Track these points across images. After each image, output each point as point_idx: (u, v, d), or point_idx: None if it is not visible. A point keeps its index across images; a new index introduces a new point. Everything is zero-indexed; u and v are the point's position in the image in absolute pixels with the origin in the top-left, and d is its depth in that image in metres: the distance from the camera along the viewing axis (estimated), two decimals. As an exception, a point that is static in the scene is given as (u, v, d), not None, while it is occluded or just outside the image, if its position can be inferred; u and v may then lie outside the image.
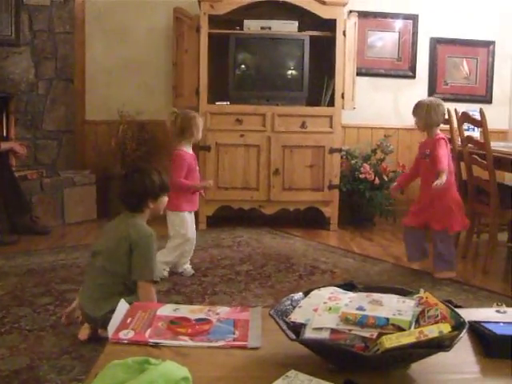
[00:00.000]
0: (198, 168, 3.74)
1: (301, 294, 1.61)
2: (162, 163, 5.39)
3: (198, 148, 4.32)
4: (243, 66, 5.18)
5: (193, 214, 3.72)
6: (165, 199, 2.73)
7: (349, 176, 5.17)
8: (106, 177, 5.44)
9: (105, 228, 2.79)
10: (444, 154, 3.59)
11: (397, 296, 1.51)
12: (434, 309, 1.43)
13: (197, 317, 1.67)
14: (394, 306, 1.43)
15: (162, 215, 3.08)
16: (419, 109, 3.72)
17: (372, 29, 5.69)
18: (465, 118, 4.06)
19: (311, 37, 5.01)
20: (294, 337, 1.38)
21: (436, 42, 5.77)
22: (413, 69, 5.77)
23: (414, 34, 5.72)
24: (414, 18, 5.70)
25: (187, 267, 3.69)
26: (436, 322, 1.38)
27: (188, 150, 3.64)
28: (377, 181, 5.08)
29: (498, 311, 1.80)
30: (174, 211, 3.56)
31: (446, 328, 1.34)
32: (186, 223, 3.60)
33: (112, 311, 2.27)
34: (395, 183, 4.09)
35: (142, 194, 2.61)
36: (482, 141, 3.82)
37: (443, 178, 3.46)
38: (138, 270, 2.51)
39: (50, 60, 5.27)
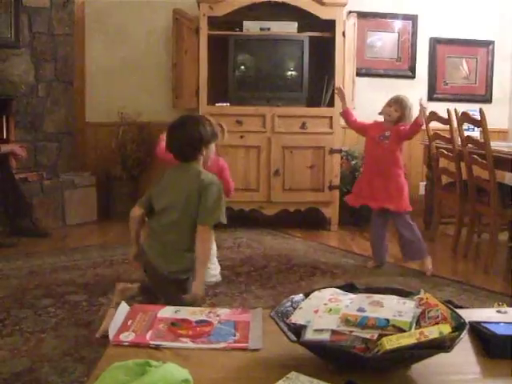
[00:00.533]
0: None
1: (301, 295, 1.61)
2: (162, 164, 5.39)
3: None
4: (243, 67, 5.18)
5: None
6: (213, 146, 2.78)
7: (349, 176, 5.17)
8: (107, 178, 5.45)
9: (163, 184, 2.75)
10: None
11: (397, 297, 1.52)
12: (435, 309, 1.43)
13: (197, 318, 1.67)
14: (395, 307, 1.43)
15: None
16: (403, 103, 3.76)
17: (371, 29, 5.69)
18: (465, 117, 4.06)
19: (311, 37, 5.01)
20: (294, 338, 1.38)
21: (435, 42, 5.78)
22: (412, 69, 5.77)
23: (414, 34, 5.72)
24: (413, 19, 5.70)
25: None
26: (436, 323, 1.38)
27: None
28: (377, 181, 5.07)
29: (498, 311, 1.80)
30: None
31: (446, 329, 1.34)
32: None
33: (182, 271, 2.55)
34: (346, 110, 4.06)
35: (198, 141, 2.66)
36: (482, 141, 3.82)
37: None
38: (203, 214, 2.57)
39: (49, 62, 5.27)
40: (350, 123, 4.04)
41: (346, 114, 4.01)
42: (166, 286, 2.63)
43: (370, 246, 4.06)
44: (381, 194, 3.78)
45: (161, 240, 2.65)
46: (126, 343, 1.52)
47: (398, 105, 3.76)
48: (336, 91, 4.26)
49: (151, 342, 1.52)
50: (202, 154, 2.70)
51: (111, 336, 1.55)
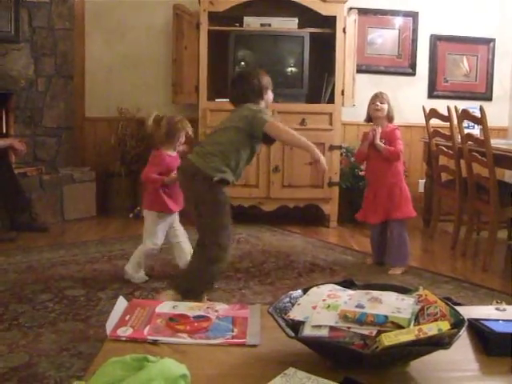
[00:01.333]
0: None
1: (300, 291, 1.60)
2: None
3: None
4: (243, 63, 5.16)
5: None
6: (270, 93, 3.05)
7: (348, 173, 5.17)
8: (106, 174, 5.44)
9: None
10: (401, 147, 3.75)
11: (396, 294, 1.51)
12: (434, 306, 1.42)
13: (195, 314, 1.66)
14: (393, 304, 1.43)
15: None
16: (384, 95, 3.77)
17: (372, 26, 5.68)
18: (465, 115, 4.06)
19: (311, 34, 5.00)
20: (292, 334, 1.37)
21: (436, 39, 5.77)
22: (413, 66, 5.76)
23: (414, 31, 5.71)
24: (414, 15, 5.69)
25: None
26: (435, 320, 1.37)
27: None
28: (376, 178, 5.07)
29: (497, 309, 1.80)
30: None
31: (445, 326, 1.33)
32: None
33: (215, 169, 2.81)
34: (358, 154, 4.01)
35: (259, 87, 2.98)
36: (482, 138, 3.82)
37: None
38: (259, 121, 2.83)
39: (49, 57, 5.26)
40: (358, 160, 4.20)
41: (359, 155, 3.99)
42: (198, 182, 2.85)
43: (369, 245, 4.03)
44: (385, 204, 3.74)
45: (201, 145, 2.99)
46: (124, 338, 1.52)
47: (380, 98, 3.75)
48: (374, 131, 3.78)
49: (149, 337, 1.52)
50: (263, 99, 3.00)
51: (109, 331, 1.55)
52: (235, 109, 3.02)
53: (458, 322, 1.38)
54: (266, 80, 3.03)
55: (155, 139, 3.56)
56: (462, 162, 4.20)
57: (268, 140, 2.94)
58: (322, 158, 2.83)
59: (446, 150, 4.46)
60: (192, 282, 2.93)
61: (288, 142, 2.87)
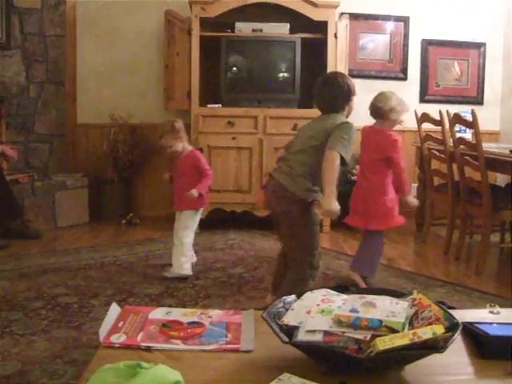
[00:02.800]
0: None
1: (293, 296, 1.60)
2: (154, 166, 5.39)
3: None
4: (235, 69, 5.17)
5: None
6: (355, 99, 2.97)
7: (341, 178, 5.15)
8: (98, 180, 5.43)
9: (301, 128, 3.07)
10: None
11: (390, 298, 1.51)
12: (428, 310, 1.42)
13: (189, 320, 1.66)
14: (388, 308, 1.43)
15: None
16: (385, 99, 3.58)
17: (363, 31, 5.69)
18: (456, 119, 4.07)
19: (303, 39, 5.01)
20: (286, 339, 1.37)
21: (427, 44, 5.79)
22: (404, 71, 5.78)
23: (406, 35, 5.74)
24: (405, 20, 5.71)
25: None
26: (429, 324, 1.37)
27: None
28: (369, 182, 5.06)
29: (491, 312, 1.80)
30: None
31: (439, 329, 1.33)
32: None
33: (308, 190, 2.79)
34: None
35: (347, 92, 2.89)
36: (474, 142, 3.83)
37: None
38: (331, 141, 2.71)
39: (40, 63, 5.26)
40: None
41: None
42: (293, 205, 2.80)
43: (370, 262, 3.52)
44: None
45: (288, 164, 2.84)
46: (117, 345, 1.51)
47: (381, 113, 3.58)
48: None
49: (142, 344, 1.51)
50: (348, 105, 2.91)
51: (102, 337, 1.54)
52: (320, 119, 2.92)
53: (452, 326, 1.37)
54: (352, 84, 2.95)
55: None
56: (454, 165, 4.21)
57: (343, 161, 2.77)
58: (327, 209, 2.70)
59: (438, 154, 4.47)
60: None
61: (324, 171, 2.71)
